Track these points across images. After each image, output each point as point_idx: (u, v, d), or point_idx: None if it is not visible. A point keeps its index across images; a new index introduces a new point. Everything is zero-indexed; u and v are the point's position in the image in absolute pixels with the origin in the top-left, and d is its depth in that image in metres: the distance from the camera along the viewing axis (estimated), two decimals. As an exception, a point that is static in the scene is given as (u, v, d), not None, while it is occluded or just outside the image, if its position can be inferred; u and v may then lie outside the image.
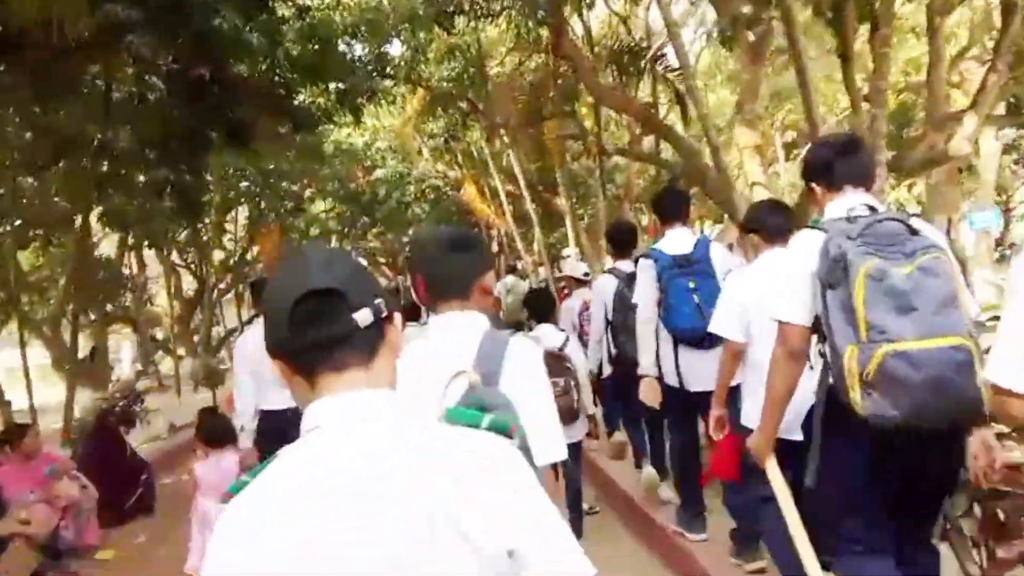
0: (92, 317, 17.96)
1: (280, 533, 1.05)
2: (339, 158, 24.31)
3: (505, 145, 15.46)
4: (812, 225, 2.78)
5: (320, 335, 1.16)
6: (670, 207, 4.95)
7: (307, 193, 25.69)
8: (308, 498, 1.07)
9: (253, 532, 1.07)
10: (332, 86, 9.74)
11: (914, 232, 2.49)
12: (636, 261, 5.22)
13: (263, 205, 21.79)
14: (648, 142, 13.54)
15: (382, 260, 45.37)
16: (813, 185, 2.87)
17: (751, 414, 3.42)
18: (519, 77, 12.93)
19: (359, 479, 1.07)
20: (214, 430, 5.58)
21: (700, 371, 4.48)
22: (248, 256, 25.04)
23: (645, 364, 4.73)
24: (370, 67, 10.76)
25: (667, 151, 11.47)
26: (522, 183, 14.88)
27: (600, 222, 18.43)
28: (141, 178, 9.95)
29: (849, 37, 7.27)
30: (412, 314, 7.48)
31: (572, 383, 4.72)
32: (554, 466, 2.11)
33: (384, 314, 1.22)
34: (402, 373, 1.34)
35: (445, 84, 13.05)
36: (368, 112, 25.75)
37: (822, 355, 2.65)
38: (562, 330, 5.46)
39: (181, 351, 25.27)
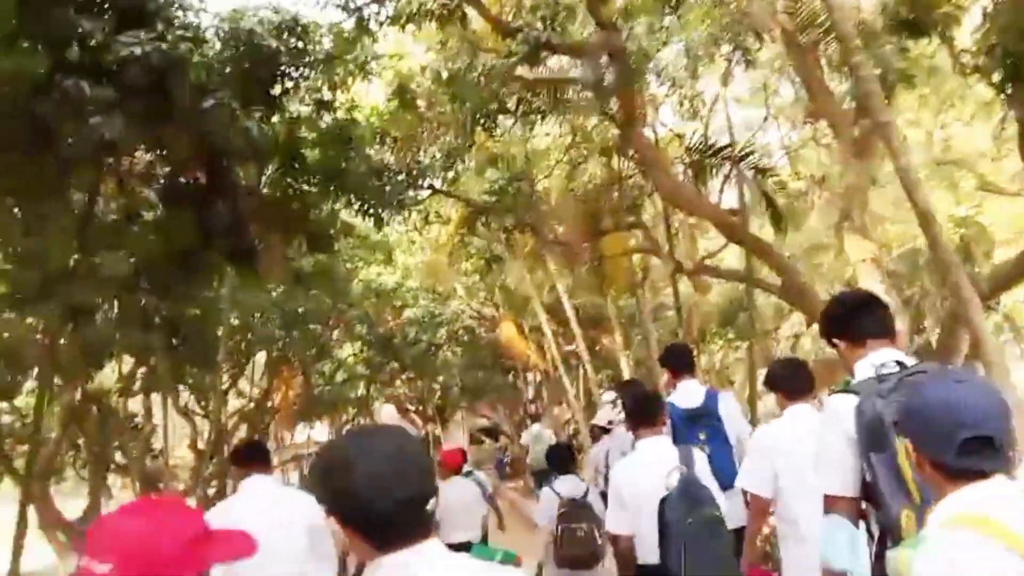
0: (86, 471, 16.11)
1: None
2: (368, 299, 22.97)
3: (548, 275, 13.83)
4: (843, 388, 2.65)
5: (408, 527, 1.49)
6: (679, 361, 5.18)
7: (334, 335, 24.20)
8: None
9: None
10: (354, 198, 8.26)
11: None
12: None
13: (285, 349, 20.15)
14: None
15: (411, 408, 43.51)
16: (836, 342, 2.82)
17: (791, 568, 3.71)
18: (574, 182, 11.36)
19: None
20: None
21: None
22: (269, 403, 23.25)
23: None
24: (400, 176, 9.35)
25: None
26: (571, 316, 13.12)
27: (653, 359, 16.62)
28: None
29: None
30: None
31: (595, 529, 5.27)
32: None
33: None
34: (627, 473, 4.04)
35: (486, 198, 11.57)
36: (400, 248, 24.81)
37: (879, 523, 2.48)
38: (582, 480, 5.99)
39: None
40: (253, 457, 4.29)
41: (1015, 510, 1.63)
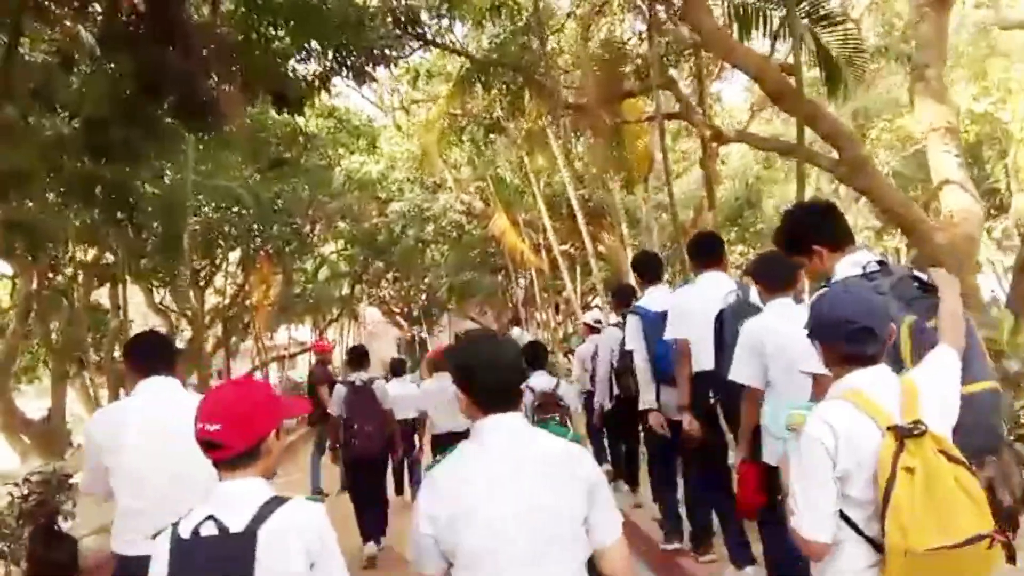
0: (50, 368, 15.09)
1: (474, 490, 2.08)
2: (351, 190, 21.60)
3: (549, 160, 12.38)
4: (827, 285, 2.77)
5: (503, 397, 2.21)
6: (648, 269, 5.78)
7: (316, 229, 22.92)
8: (497, 470, 2.11)
9: (459, 487, 2.09)
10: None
11: (925, 288, 2.66)
12: (624, 316, 6.15)
13: (259, 241, 18.84)
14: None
15: (396, 310, 42.73)
16: (816, 248, 2.92)
17: (774, 453, 3.75)
18: (593, 34, 9.73)
19: (523, 461, 2.13)
20: None
21: (675, 403, 5.15)
22: (246, 300, 22.11)
23: (648, 400, 5.50)
24: (387, 22, 7.90)
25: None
26: (575, 203, 11.83)
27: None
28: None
29: None
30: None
31: (567, 419, 6.13)
32: None
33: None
34: (687, 297, 4.93)
35: (487, 53, 9.99)
36: (386, 137, 23.26)
37: None
38: (552, 376, 6.67)
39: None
40: (153, 355, 3.26)
41: (883, 390, 2.21)
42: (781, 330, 3.79)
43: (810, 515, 2.19)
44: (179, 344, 22.84)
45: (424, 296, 34.51)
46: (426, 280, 31.23)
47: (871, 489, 2.11)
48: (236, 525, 1.97)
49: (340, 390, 6.85)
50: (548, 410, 6.09)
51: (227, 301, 20.30)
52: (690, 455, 5.20)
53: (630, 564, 2.30)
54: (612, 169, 11.35)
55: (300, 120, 19.12)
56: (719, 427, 4.67)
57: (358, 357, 7.29)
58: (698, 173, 19.79)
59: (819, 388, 2.90)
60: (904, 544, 2.00)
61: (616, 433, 7.44)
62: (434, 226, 22.95)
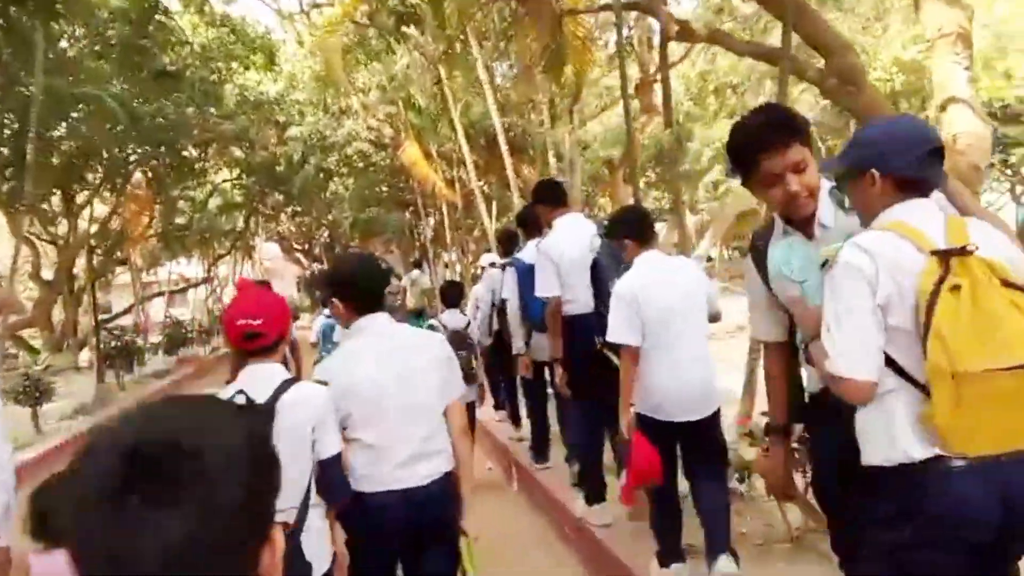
0: None
1: (361, 366, 2.83)
2: (245, 112, 19.42)
3: (469, 74, 10.82)
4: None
5: (372, 301, 2.93)
6: (530, 225, 6.04)
7: (207, 154, 20.65)
8: (376, 351, 2.86)
9: (349, 367, 2.85)
10: None
11: None
12: (503, 267, 6.81)
13: (134, 163, 16.62)
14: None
15: (297, 247, 40.55)
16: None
17: (642, 401, 4.01)
18: None
19: (394, 343, 2.91)
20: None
21: (543, 346, 5.71)
22: (123, 230, 19.78)
23: (518, 346, 6.31)
24: None
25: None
26: (500, 131, 10.42)
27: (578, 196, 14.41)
28: None
29: None
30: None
31: (472, 356, 6.78)
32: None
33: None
34: (554, 245, 5.08)
35: None
36: (285, 58, 21.06)
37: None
38: (464, 315, 7.46)
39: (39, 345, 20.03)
40: None
41: (929, 220, 2.02)
42: (654, 284, 3.91)
43: (849, 350, 2.00)
44: (47, 275, 20.52)
45: (326, 232, 32.57)
46: (329, 216, 29.27)
47: (913, 317, 1.92)
48: (260, 398, 2.53)
49: None
50: (458, 347, 6.28)
51: (93, 229, 18.04)
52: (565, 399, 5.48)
53: (465, 419, 3.10)
54: (541, 92, 10.02)
55: (187, 28, 16.95)
56: (611, 367, 4.39)
57: None
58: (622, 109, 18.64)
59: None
60: (950, 367, 1.79)
61: (497, 366, 7.92)
62: (338, 155, 21.06)
